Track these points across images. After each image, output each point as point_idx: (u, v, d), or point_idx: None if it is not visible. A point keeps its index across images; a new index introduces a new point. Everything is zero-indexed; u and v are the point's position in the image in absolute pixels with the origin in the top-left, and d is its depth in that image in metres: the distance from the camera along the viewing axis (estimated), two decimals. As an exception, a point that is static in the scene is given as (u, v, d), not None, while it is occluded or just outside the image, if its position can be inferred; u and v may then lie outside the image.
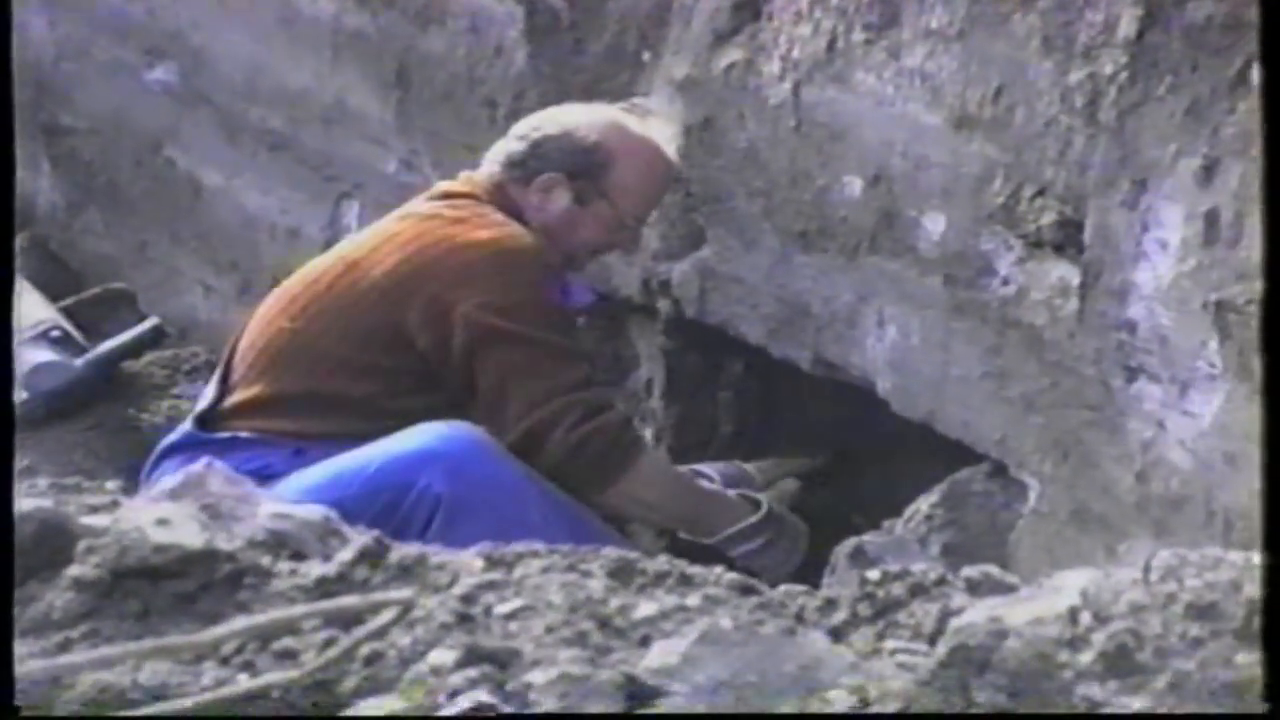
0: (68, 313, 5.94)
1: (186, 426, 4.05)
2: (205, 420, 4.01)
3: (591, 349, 4.32)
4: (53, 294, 6.13)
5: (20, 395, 5.50)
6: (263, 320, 4.07)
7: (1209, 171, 3.03)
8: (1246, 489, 2.94)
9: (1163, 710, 1.63)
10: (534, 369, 3.83)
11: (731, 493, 4.07)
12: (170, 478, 2.32)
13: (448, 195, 4.11)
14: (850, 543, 3.79)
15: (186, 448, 3.94)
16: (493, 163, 4.12)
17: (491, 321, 3.83)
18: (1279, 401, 2.00)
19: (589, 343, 4.51)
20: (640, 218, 4.17)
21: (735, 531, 3.94)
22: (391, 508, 3.61)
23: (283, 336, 3.99)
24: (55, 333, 5.71)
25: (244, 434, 3.91)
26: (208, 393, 4.11)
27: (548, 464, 3.79)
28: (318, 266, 4.10)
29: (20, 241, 6.89)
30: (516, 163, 4.08)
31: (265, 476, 3.61)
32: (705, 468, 4.23)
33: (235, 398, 4.01)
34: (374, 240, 4.04)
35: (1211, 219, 3.02)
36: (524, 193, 4.06)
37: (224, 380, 4.07)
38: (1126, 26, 3.20)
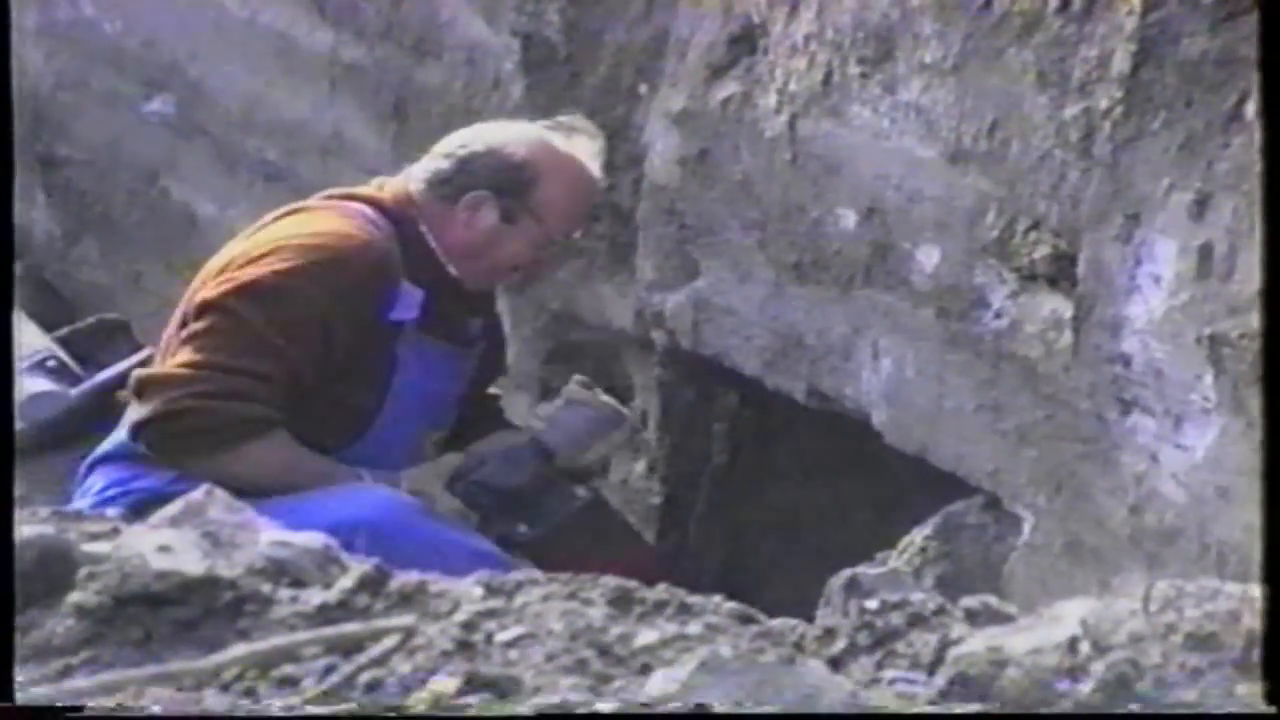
0: (62, 342, 5.93)
1: (120, 435, 4.05)
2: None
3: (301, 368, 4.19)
4: (47, 324, 6.12)
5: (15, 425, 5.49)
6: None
7: (1202, 206, 3.04)
8: (1240, 522, 2.95)
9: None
10: (218, 340, 3.87)
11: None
12: (172, 504, 2.32)
13: (346, 197, 4.12)
14: (845, 574, 3.79)
15: (117, 458, 3.97)
16: (416, 180, 4.10)
17: (213, 295, 3.90)
18: (1278, 434, 2.01)
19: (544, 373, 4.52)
20: (566, 235, 4.16)
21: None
22: None
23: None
24: (50, 362, 5.70)
25: None
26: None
27: (137, 418, 3.88)
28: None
29: (15, 271, 6.89)
30: (443, 180, 4.06)
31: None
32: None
33: None
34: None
35: (1205, 253, 3.03)
36: (450, 210, 4.04)
37: None
38: (1121, 62, 3.22)
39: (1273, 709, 1.63)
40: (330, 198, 4.14)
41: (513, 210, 4.04)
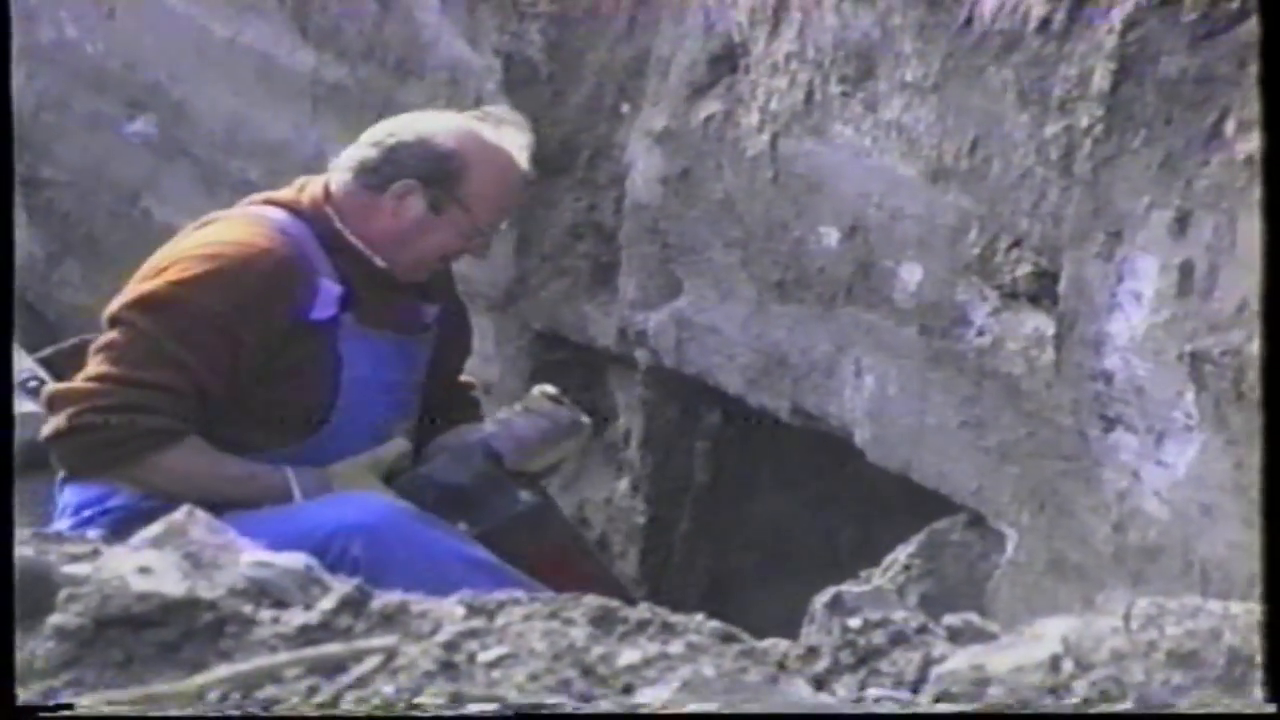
0: (45, 363, 5.92)
1: None
2: None
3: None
4: (30, 345, 6.11)
5: (-4, 445, 5.49)
6: None
7: (1183, 223, 3.04)
8: (1223, 539, 2.95)
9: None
10: (118, 354, 3.90)
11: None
12: (153, 525, 2.32)
13: (265, 202, 4.13)
14: (828, 592, 3.78)
15: None
16: (343, 169, 4.10)
17: (115, 309, 3.94)
18: (1276, 451, 2.01)
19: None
20: (494, 225, 4.16)
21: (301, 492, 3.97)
22: None
23: None
24: (32, 383, 5.68)
25: None
26: None
27: (48, 432, 3.93)
28: None
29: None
30: (370, 169, 4.05)
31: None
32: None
33: None
34: None
35: (1186, 270, 3.04)
36: (376, 199, 4.04)
37: None
38: (1101, 80, 3.22)
39: (1272, 708, 1.63)
40: (251, 203, 4.16)
41: (440, 200, 4.04)
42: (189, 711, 1.96)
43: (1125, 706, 1.61)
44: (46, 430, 3.95)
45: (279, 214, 4.06)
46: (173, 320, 3.88)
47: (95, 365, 3.93)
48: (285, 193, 4.14)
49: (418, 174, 4.03)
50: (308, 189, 4.11)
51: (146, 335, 3.88)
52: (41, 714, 1.97)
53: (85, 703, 1.95)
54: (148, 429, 3.87)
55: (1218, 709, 1.63)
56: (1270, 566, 1.85)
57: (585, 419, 4.29)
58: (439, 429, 4.21)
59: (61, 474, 4.11)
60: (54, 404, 3.94)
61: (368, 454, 4.06)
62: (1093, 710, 1.63)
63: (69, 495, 4.07)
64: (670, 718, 1.78)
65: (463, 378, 4.48)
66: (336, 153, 5.32)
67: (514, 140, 4.12)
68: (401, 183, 4.02)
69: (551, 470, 4.33)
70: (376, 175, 4.04)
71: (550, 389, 4.30)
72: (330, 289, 3.99)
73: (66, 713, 1.96)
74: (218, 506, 3.76)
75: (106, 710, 1.95)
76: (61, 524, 4.02)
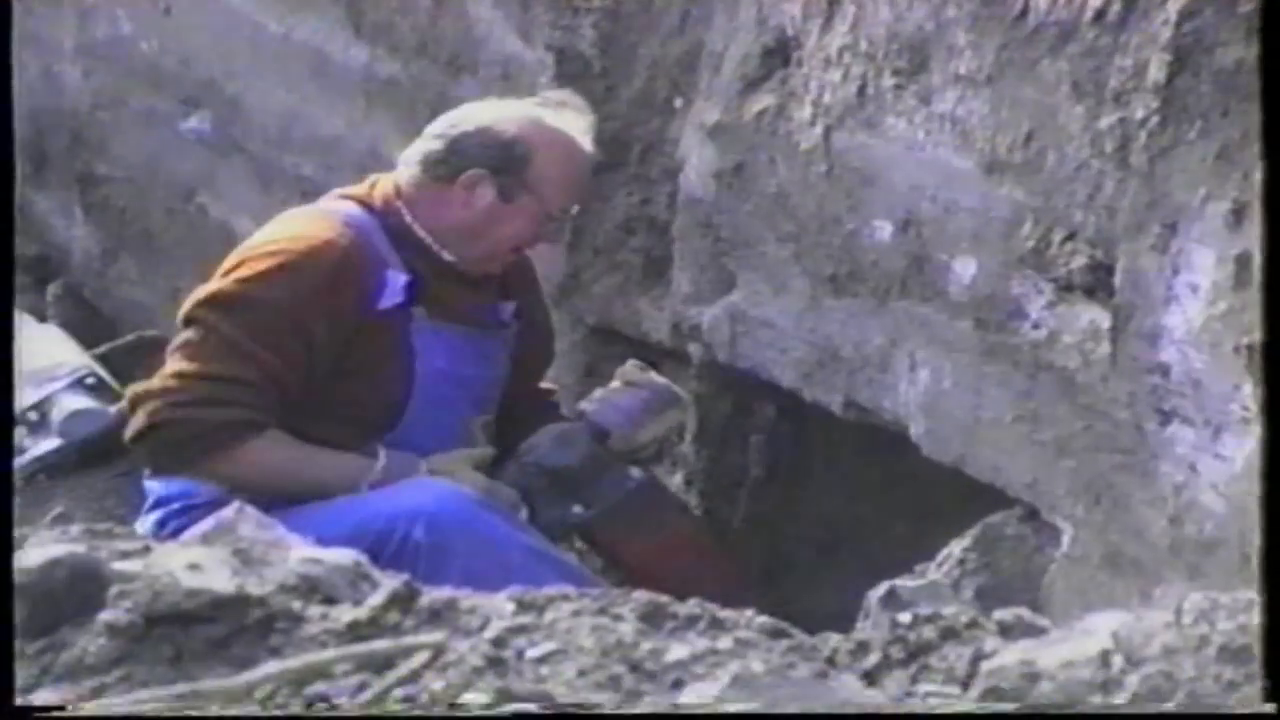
0: (102, 359, 5.97)
1: None
2: None
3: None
4: (87, 341, 6.16)
5: (55, 442, 5.53)
6: None
7: (1239, 215, 3.02)
8: (1280, 533, 2.92)
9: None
10: (193, 351, 3.94)
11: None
12: (202, 522, 2.33)
13: (341, 197, 4.18)
14: (883, 586, 3.77)
15: None
16: (410, 163, 4.13)
17: (187, 309, 4.00)
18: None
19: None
20: (565, 209, 4.17)
21: (370, 485, 3.96)
22: (372, 556, 3.66)
23: None
24: (90, 379, 5.73)
25: None
26: None
27: (130, 432, 3.97)
28: None
29: (54, 289, 6.93)
30: (437, 161, 4.09)
31: None
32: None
33: None
34: None
35: (1243, 262, 3.02)
36: (447, 191, 4.07)
37: None
38: (1156, 71, 3.20)
39: (1272, 708, 1.62)
40: (326, 199, 4.23)
41: (509, 188, 4.06)
42: (233, 710, 1.96)
43: (1178, 701, 1.60)
44: (129, 431, 4.00)
45: (348, 207, 4.09)
46: (243, 316, 3.93)
47: (172, 364, 3.97)
48: (358, 188, 4.18)
49: (484, 163, 4.05)
50: (379, 185, 4.14)
51: (218, 331, 3.93)
52: (42, 714, 1.97)
53: (90, 706, 1.95)
54: (226, 421, 3.90)
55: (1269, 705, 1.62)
56: (1270, 569, 1.83)
57: (682, 392, 4.29)
58: (521, 434, 4.21)
59: (147, 471, 4.14)
60: (135, 404, 3.99)
61: (462, 451, 4.07)
62: (1142, 710, 1.62)
63: (154, 491, 4.10)
64: (707, 718, 1.77)
65: (544, 384, 4.49)
66: (390, 148, 5.36)
67: (576, 123, 4.14)
68: (470, 173, 4.05)
69: (657, 445, 4.31)
70: (444, 167, 4.07)
71: (639, 363, 4.30)
72: (397, 278, 4.01)
73: (67, 713, 1.96)
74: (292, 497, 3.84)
75: (110, 710, 1.96)
76: (146, 521, 4.06)
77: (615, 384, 4.25)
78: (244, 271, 3.98)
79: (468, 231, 4.06)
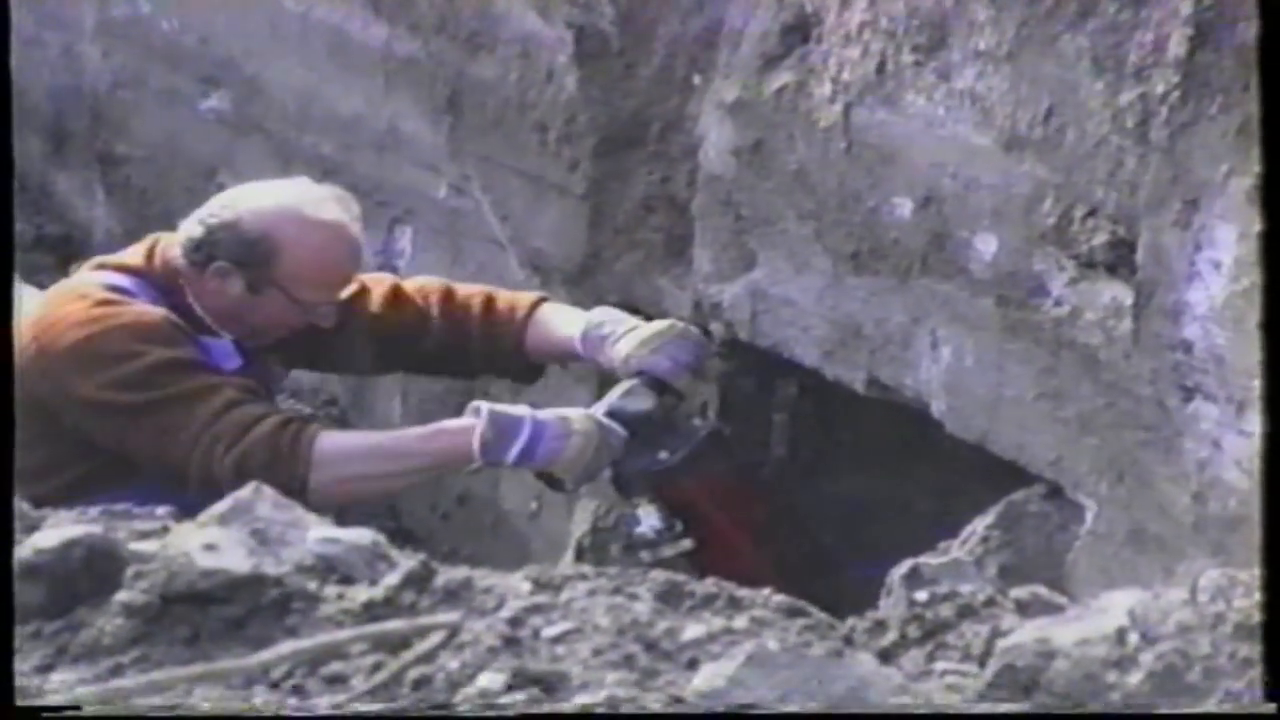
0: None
1: None
2: None
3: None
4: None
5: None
6: None
7: (1262, 191, 3.00)
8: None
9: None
10: (173, 424, 3.86)
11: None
12: (219, 503, 2.32)
13: (109, 267, 4.16)
14: (907, 564, 3.76)
15: None
16: (177, 244, 4.12)
17: (112, 399, 3.90)
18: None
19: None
20: (323, 302, 4.13)
21: (481, 445, 3.89)
22: None
23: None
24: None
25: None
26: None
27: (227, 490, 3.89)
28: None
29: (76, 269, 6.92)
30: (194, 247, 4.06)
31: None
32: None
33: None
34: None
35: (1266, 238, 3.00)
36: (201, 277, 4.06)
37: None
38: (1177, 46, 3.18)
39: (1272, 707, 1.61)
40: (99, 267, 4.19)
41: (256, 281, 4.05)
42: (255, 689, 1.96)
43: (1192, 678, 1.59)
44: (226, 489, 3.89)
45: (126, 281, 4.09)
46: (161, 375, 3.90)
47: (178, 445, 3.86)
48: (130, 257, 4.17)
49: (231, 256, 4.04)
50: (158, 253, 4.12)
51: (167, 396, 3.88)
52: (42, 714, 1.97)
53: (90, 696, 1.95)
54: (282, 422, 3.88)
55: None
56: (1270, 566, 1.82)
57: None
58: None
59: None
60: (204, 483, 3.77)
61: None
62: (1150, 700, 1.61)
63: None
64: (707, 718, 1.76)
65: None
66: (408, 126, 5.35)
67: (336, 214, 4.10)
68: (217, 264, 4.04)
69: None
70: (199, 254, 4.07)
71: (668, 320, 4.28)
72: (217, 344, 4.07)
73: (68, 713, 1.96)
74: None
75: (114, 708, 1.96)
76: None
77: (652, 343, 4.17)
78: (118, 351, 3.90)
79: (226, 316, 4.07)
